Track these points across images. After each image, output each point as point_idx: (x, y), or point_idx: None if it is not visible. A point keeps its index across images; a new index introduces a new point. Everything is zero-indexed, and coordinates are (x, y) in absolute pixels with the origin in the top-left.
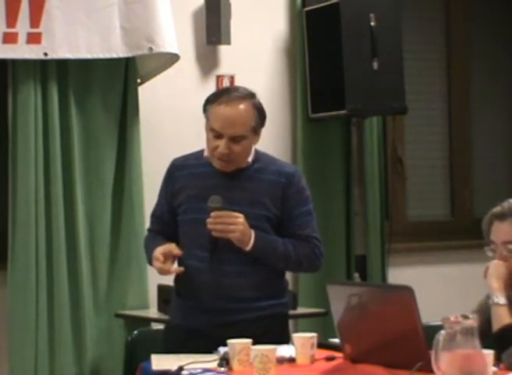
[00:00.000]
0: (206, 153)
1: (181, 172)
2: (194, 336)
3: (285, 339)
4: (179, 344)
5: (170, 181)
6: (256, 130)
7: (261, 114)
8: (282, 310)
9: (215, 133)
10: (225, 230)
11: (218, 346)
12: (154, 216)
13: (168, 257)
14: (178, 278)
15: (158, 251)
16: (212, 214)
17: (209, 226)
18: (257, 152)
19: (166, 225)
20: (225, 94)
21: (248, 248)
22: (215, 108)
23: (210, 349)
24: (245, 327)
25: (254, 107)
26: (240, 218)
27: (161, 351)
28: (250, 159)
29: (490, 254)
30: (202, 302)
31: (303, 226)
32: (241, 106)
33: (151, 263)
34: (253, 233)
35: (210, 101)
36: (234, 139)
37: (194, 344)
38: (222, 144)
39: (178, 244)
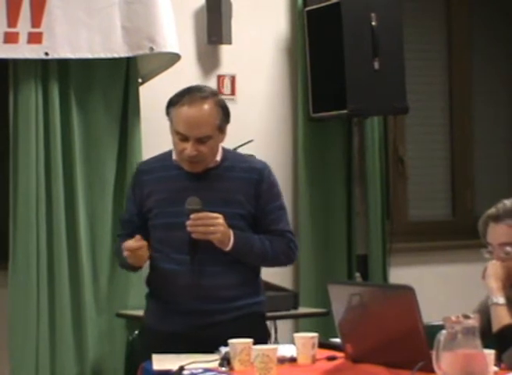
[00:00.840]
0: (174, 156)
1: (148, 176)
2: (175, 339)
3: (264, 338)
4: (160, 348)
5: (137, 187)
6: (221, 128)
7: (225, 111)
8: (260, 309)
9: (180, 136)
10: (207, 231)
11: (199, 348)
12: (123, 221)
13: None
14: (153, 281)
15: (128, 242)
16: (192, 216)
17: (189, 229)
18: (224, 150)
19: (137, 229)
20: (186, 94)
21: (228, 248)
22: (177, 111)
23: (191, 351)
24: (225, 327)
25: (218, 105)
26: (220, 219)
27: (141, 356)
28: (218, 158)
29: (487, 256)
30: (182, 305)
31: (276, 221)
32: (204, 106)
33: (123, 266)
34: (231, 232)
35: (172, 104)
36: (200, 140)
37: (175, 347)
38: (188, 146)
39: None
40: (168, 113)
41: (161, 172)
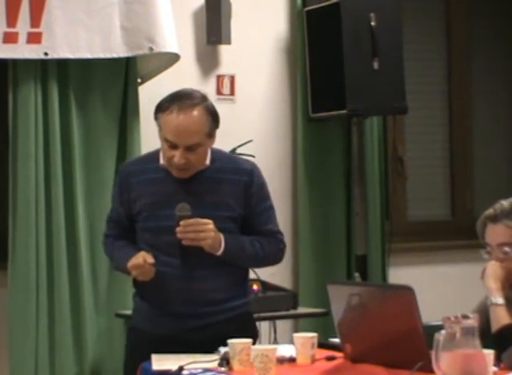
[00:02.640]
0: (162, 161)
1: (136, 178)
2: (166, 341)
3: (254, 337)
4: (151, 350)
5: (125, 188)
6: (211, 134)
7: (214, 117)
8: (249, 309)
9: (169, 144)
10: (197, 238)
11: (191, 350)
12: (111, 221)
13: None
14: (142, 282)
15: (136, 260)
16: (182, 223)
17: (179, 236)
18: (212, 152)
19: (125, 230)
20: (176, 101)
21: (219, 252)
22: (166, 117)
23: (184, 353)
24: (218, 329)
25: (207, 111)
26: (210, 224)
27: (132, 360)
28: (208, 162)
29: (486, 256)
30: (173, 308)
31: (266, 222)
32: (194, 113)
33: (117, 268)
34: (222, 237)
35: (161, 109)
36: (190, 148)
37: (167, 350)
38: (177, 154)
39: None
40: (156, 118)
41: (150, 174)
